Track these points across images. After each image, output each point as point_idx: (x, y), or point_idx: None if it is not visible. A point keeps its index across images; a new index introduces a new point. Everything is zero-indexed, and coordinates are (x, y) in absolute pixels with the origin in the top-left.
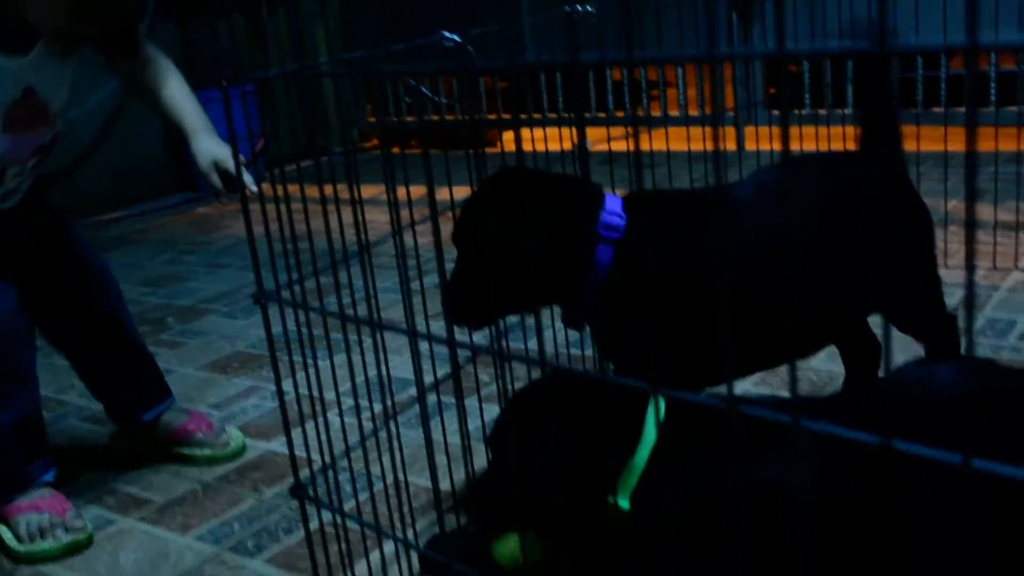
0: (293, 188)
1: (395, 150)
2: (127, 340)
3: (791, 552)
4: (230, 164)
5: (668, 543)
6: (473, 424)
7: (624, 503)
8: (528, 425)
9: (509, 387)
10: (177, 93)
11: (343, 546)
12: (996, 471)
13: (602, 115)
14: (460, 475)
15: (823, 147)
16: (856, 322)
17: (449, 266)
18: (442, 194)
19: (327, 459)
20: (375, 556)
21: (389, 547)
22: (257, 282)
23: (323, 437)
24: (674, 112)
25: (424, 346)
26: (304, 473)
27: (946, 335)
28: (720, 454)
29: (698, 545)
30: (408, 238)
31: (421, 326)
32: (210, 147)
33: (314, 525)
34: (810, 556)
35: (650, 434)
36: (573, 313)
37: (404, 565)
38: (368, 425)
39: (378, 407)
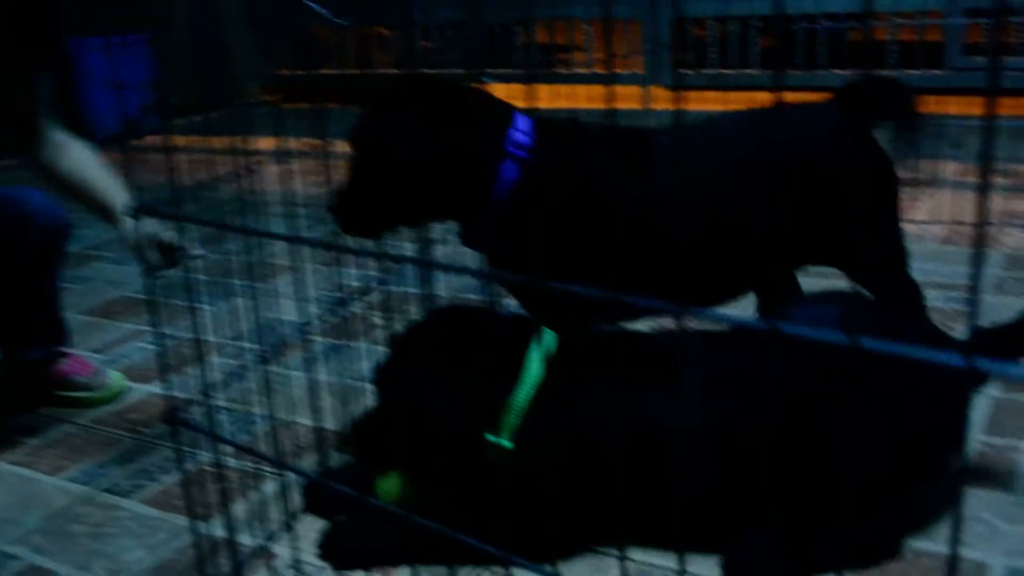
0: (192, 140)
1: (288, 104)
2: (40, 276)
3: (675, 483)
4: (164, 236)
5: (550, 481)
6: (362, 366)
7: (506, 442)
8: (412, 363)
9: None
10: (93, 174)
11: (221, 484)
12: (882, 349)
13: (508, 71)
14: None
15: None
16: (780, 273)
17: None
18: (341, 147)
19: (204, 389)
20: (255, 496)
21: (268, 487)
22: (131, 195)
23: (202, 371)
24: (582, 70)
25: (313, 292)
26: (182, 403)
27: (904, 295)
28: (605, 389)
29: (580, 482)
30: (304, 187)
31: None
32: (144, 224)
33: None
34: (693, 486)
35: (533, 370)
36: (473, 231)
37: (282, 507)
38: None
39: (267, 354)
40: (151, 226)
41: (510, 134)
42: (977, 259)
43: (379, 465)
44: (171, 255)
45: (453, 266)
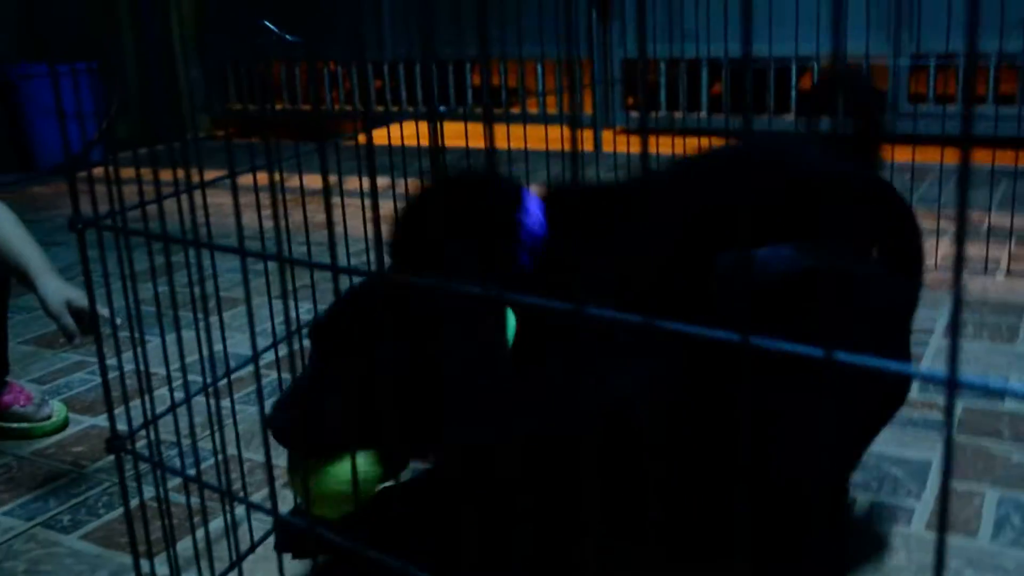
0: (144, 172)
1: (243, 138)
2: None
3: (642, 454)
4: (83, 303)
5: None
6: None
7: None
8: (367, 321)
9: None
10: (9, 234)
11: (166, 520)
12: (856, 363)
13: (460, 110)
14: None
15: (678, 150)
16: None
17: (298, 248)
18: (292, 182)
19: (149, 419)
20: (201, 533)
21: (215, 524)
22: (74, 207)
23: (149, 401)
24: (533, 111)
25: (264, 325)
26: (124, 432)
27: None
28: (568, 367)
29: (554, 457)
30: (254, 222)
31: (262, 305)
32: (59, 288)
33: (136, 503)
34: (660, 456)
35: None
36: None
37: (232, 541)
38: (201, 400)
39: (216, 384)
40: (69, 292)
41: (522, 222)
42: (956, 301)
43: (324, 447)
44: (88, 322)
45: (421, 279)
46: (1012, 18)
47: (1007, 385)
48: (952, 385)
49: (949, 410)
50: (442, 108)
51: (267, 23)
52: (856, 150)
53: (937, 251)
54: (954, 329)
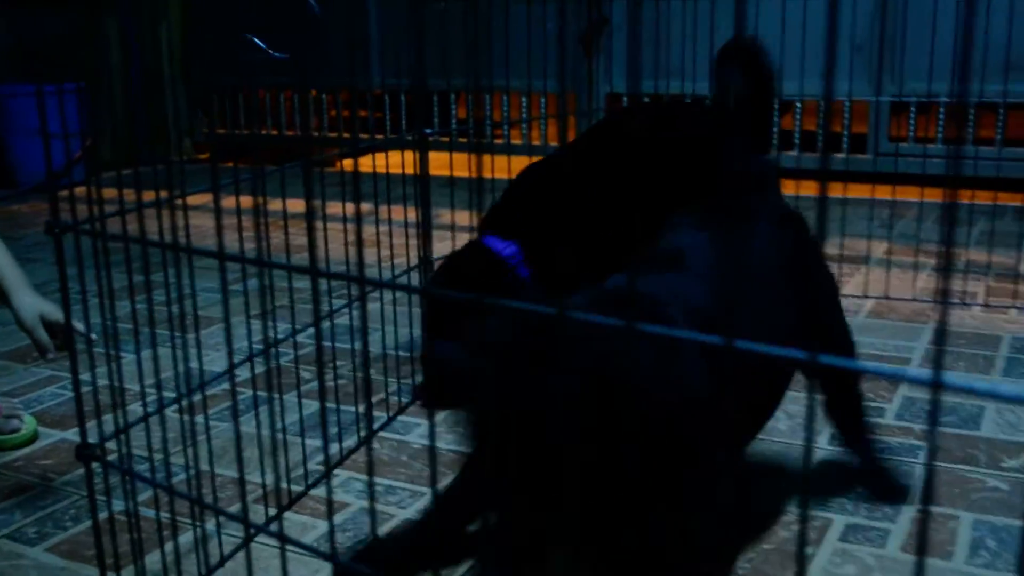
0: (127, 193)
1: (229, 164)
2: None
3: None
4: (57, 317)
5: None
6: (290, 419)
7: None
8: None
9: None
10: None
11: (134, 533)
12: (852, 366)
13: (445, 139)
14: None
15: None
16: None
17: (278, 271)
18: (275, 205)
19: (120, 428)
20: (170, 546)
21: (184, 538)
22: (52, 213)
23: (122, 413)
24: (517, 141)
25: (242, 343)
26: (95, 444)
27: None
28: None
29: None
30: (235, 244)
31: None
32: (33, 302)
33: (105, 515)
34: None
35: None
36: None
37: (202, 555)
38: (174, 416)
39: (190, 396)
40: (43, 306)
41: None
42: (943, 307)
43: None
44: (62, 336)
45: (392, 284)
46: (991, 61)
47: (992, 387)
48: (936, 386)
49: (933, 413)
50: (428, 131)
51: (254, 38)
52: (748, 117)
53: (915, 283)
54: (941, 331)
